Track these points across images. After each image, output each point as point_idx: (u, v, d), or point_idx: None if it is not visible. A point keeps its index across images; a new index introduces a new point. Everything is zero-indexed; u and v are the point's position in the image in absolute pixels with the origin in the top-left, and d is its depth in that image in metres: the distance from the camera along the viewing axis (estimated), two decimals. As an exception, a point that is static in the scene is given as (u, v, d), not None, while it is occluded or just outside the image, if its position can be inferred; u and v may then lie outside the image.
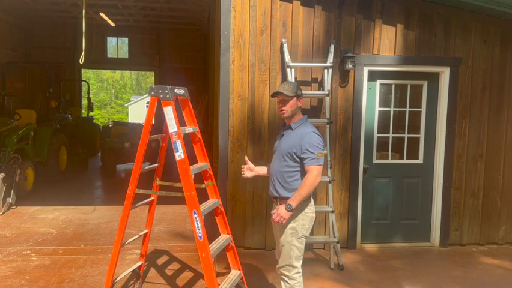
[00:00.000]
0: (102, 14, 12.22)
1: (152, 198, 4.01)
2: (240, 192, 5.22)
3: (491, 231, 5.60)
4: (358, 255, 5.19)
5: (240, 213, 5.24)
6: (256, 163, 5.25)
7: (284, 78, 5.08)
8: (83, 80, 15.77)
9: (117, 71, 41.29)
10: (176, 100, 3.60)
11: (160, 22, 13.78)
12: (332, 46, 5.09)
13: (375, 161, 5.45)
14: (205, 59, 12.83)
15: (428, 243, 5.58)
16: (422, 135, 5.50)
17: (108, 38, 15.33)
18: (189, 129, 3.63)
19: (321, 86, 5.19)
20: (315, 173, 3.22)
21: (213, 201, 3.76)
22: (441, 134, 5.42)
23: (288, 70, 4.96)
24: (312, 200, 3.39)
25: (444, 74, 5.37)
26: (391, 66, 5.31)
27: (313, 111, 5.25)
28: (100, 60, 14.88)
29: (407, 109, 5.49)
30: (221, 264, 4.66)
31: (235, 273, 3.77)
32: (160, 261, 4.88)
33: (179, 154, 3.30)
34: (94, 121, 14.12)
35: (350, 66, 5.10)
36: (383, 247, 5.45)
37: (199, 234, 3.28)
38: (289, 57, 5.01)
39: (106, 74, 43.44)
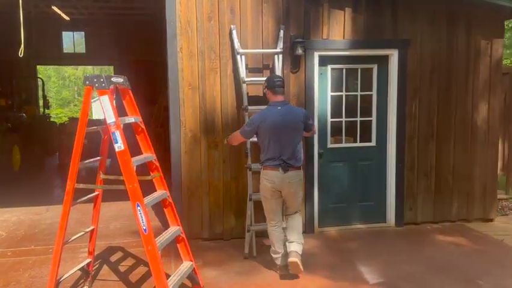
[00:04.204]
0: (55, 8, 11.73)
1: (96, 193, 3.87)
2: (196, 184, 5.13)
3: (445, 209, 5.74)
4: (316, 239, 5.21)
5: (197, 205, 5.16)
6: (210, 153, 5.19)
7: (235, 65, 5.00)
8: (38, 77, 15.13)
9: (79, 68, 39.96)
10: (116, 90, 3.48)
11: (117, 14, 13.33)
12: (282, 32, 5.04)
13: (329, 145, 5.47)
14: (162, 50, 12.55)
15: (385, 223, 5.68)
16: (374, 119, 5.55)
17: (63, 32, 14.77)
18: (130, 119, 3.51)
19: (272, 72, 5.13)
20: (233, 134, 4.49)
21: (160, 193, 3.67)
22: (393, 117, 5.48)
23: (238, 57, 4.89)
24: (267, 172, 4.12)
25: (393, 56, 5.43)
26: (341, 50, 5.31)
27: (265, 98, 5.17)
28: (55, 55, 14.30)
29: (359, 93, 5.53)
30: (177, 256, 4.56)
31: (186, 265, 3.71)
32: (114, 257, 4.74)
33: (119, 145, 3.20)
34: (51, 119, 13.61)
35: (300, 51, 5.08)
36: (341, 230, 5.51)
37: (144, 227, 3.19)
38: (238, 43, 4.93)
39: (68, 71, 42.00)
